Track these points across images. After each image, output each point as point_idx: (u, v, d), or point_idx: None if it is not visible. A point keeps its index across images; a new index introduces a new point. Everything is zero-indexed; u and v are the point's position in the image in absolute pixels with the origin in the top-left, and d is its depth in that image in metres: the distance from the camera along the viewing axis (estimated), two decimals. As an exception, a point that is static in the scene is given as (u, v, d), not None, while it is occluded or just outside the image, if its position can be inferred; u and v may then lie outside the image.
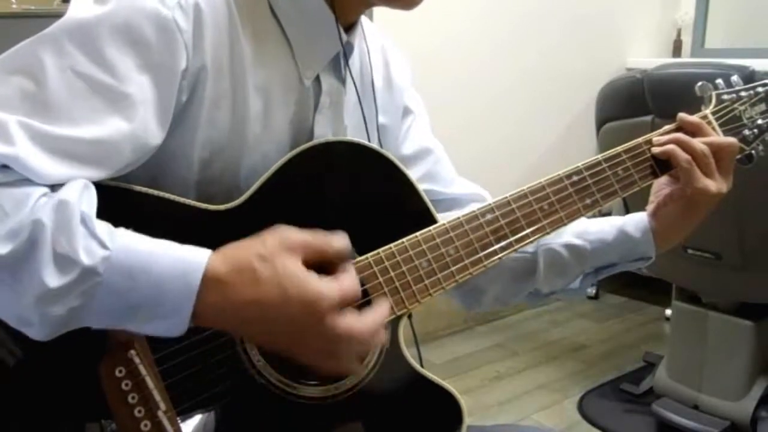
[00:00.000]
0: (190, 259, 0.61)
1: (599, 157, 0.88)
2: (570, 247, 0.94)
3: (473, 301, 1.00)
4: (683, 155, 0.87)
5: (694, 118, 0.91)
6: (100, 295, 0.59)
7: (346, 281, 0.65)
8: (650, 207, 0.93)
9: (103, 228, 0.61)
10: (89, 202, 0.62)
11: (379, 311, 0.68)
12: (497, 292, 0.99)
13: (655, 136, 0.91)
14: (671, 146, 0.88)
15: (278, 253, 0.63)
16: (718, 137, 0.91)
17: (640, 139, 0.90)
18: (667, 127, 0.92)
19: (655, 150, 0.89)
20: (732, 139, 0.90)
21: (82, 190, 0.62)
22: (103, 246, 0.59)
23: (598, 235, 0.94)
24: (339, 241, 0.67)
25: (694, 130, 0.90)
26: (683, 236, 0.93)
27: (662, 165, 0.89)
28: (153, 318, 0.61)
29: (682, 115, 0.92)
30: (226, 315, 0.62)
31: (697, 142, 0.88)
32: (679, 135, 0.89)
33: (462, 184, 1.00)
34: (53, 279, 0.58)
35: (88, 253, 0.59)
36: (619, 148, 0.89)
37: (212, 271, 0.61)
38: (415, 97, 1.00)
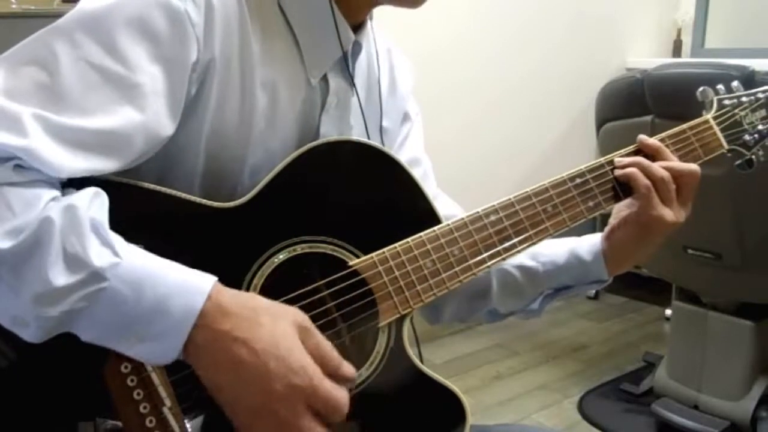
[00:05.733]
0: (197, 281, 0.61)
1: (602, 159, 0.88)
2: (522, 269, 0.94)
3: (433, 316, 1.00)
4: (643, 180, 0.84)
5: (653, 141, 0.88)
6: (101, 301, 0.58)
7: (340, 391, 0.62)
8: (606, 229, 0.91)
9: (115, 237, 0.61)
10: (99, 208, 0.62)
11: None
12: (454, 310, 0.98)
13: (617, 157, 0.88)
14: (632, 170, 0.85)
15: (284, 317, 0.63)
16: (681, 163, 0.87)
17: (602, 160, 0.88)
18: (627, 149, 0.89)
19: (617, 172, 0.86)
20: (694, 166, 0.87)
21: (92, 197, 0.62)
22: (115, 254, 0.60)
23: (550, 257, 0.93)
24: (348, 367, 0.64)
25: (653, 154, 0.87)
26: (634, 262, 0.91)
27: (625, 188, 0.87)
28: (146, 337, 0.60)
29: (642, 137, 0.88)
30: (214, 347, 0.60)
31: (659, 168, 0.85)
32: (641, 159, 0.86)
33: (442, 202, 0.97)
34: (60, 277, 0.58)
35: (98, 257, 0.59)
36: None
37: (217, 296, 0.61)
38: (415, 105, 1.00)
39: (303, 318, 0.64)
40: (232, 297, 0.62)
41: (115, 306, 0.59)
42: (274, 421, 0.60)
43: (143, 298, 0.59)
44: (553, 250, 0.93)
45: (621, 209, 0.89)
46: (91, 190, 0.63)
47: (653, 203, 0.84)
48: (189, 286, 0.61)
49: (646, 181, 0.84)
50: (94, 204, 0.62)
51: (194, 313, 0.59)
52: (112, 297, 0.59)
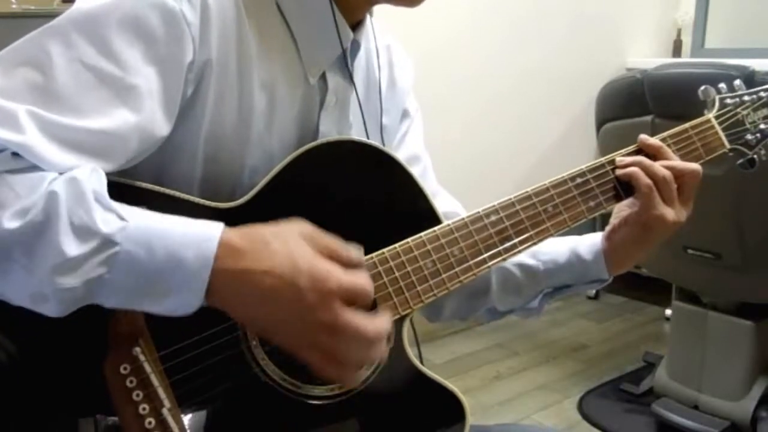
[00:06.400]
0: (206, 229, 0.62)
1: (603, 159, 0.87)
2: (522, 267, 0.94)
3: (432, 315, 1.00)
4: (645, 180, 0.84)
5: (655, 140, 0.88)
6: (117, 266, 0.59)
7: (360, 276, 0.64)
8: (607, 228, 0.91)
9: (117, 204, 0.61)
10: (99, 181, 0.62)
11: (385, 317, 0.66)
12: (454, 308, 0.99)
13: (618, 156, 0.88)
14: (634, 169, 0.85)
15: (291, 235, 0.64)
16: (682, 163, 0.87)
17: (603, 160, 0.88)
18: (628, 149, 0.89)
19: (618, 172, 0.86)
20: (696, 166, 0.87)
21: (91, 171, 0.62)
22: (120, 218, 0.60)
23: (551, 255, 0.93)
24: (355, 251, 0.66)
25: (654, 153, 0.87)
26: (635, 262, 0.91)
27: (626, 187, 0.87)
28: (168, 292, 0.60)
29: (643, 137, 0.89)
30: (239, 286, 0.61)
31: (660, 167, 0.85)
32: (642, 158, 0.86)
33: (442, 198, 0.98)
34: (72, 247, 0.58)
35: (105, 224, 0.59)
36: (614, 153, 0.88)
37: (227, 239, 0.61)
38: (414, 102, 1.00)
39: (305, 227, 0.65)
40: (241, 236, 0.62)
41: (130, 267, 0.59)
42: (321, 327, 0.62)
43: (156, 254, 0.59)
44: (553, 248, 0.93)
45: (622, 209, 0.89)
46: (88, 166, 0.63)
47: (655, 203, 0.84)
48: (198, 234, 0.61)
49: (648, 181, 0.84)
50: (93, 177, 0.62)
51: (209, 258, 0.60)
52: (127, 259, 0.59)
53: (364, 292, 0.64)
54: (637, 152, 0.89)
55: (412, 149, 0.98)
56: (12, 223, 0.57)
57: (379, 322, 0.64)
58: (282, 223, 0.66)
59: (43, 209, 0.58)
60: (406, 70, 0.97)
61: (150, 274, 0.60)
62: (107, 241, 0.59)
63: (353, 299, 0.63)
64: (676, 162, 0.87)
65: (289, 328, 0.63)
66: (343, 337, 0.62)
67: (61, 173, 0.62)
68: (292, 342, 0.64)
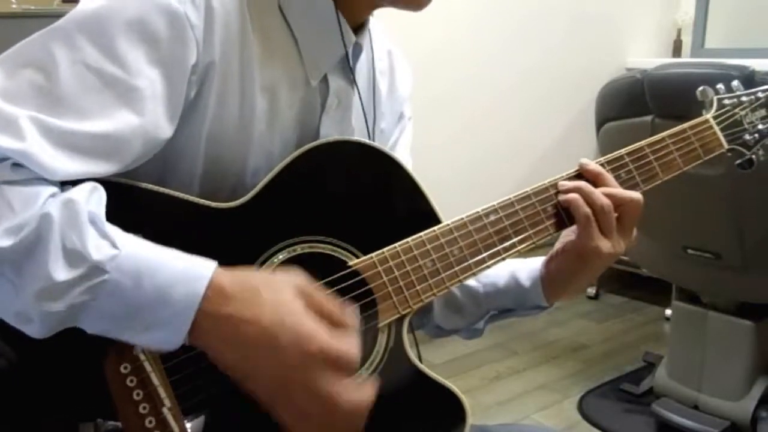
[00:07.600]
0: (197, 268, 0.61)
1: (602, 159, 0.88)
2: (464, 288, 0.92)
3: None
4: (583, 209, 0.80)
5: (594, 166, 0.84)
6: (103, 294, 0.59)
7: (347, 341, 0.62)
8: (549, 254, 0.88)
9: (113, 229, 0.61)
10: (97, 202, 0.62)
11: (368, 389, 0.63)
12: None
13: (560, 180, 0.84)
14: (573, 195, 0.81)
15: (284, 286, 0.63)
16: (623, 191, 0.83)
17: (546, 182, 0.84)
18: (569, 173, 0.85)
19: (560, 197, 0.83)
20: (636, 195, 0.82)
21: (90, 191, 0.62)
22: (113, 245, 0.60)
23: (492, 278, 0.91)
24: (350, 313, 0.65)
25: (593, 179, 0.83)
26: (572, 292, 0.89)
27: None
28: (151, 326, 0.60)
29: (583, 161, 0.84)
30: (221, 330, 0.61)
31: (600, 195, 0.81)
32: (583, 184, 0.82)
33: None
34: (61, 272, 0.58)
35: (97, 251, 0.59)
36: (621, 151, 0.88)
37: (218, 281, 0.61)
38: (410, 109, 1.00)
39: (301, 281, 0.64)
40: (232, 279, 0.62)
41: (117, 297, 0.59)
42: (297, 387, 0.61)
43: (144, 287, 0.59)
44: (496, 271, 0.90)
45: (567, 234, 0.85)
46: (88, 185, 0.63)
47: (592, 234, 0.80)
48: (189, 273, 0.61)
49: (587, 210, 0.80)
50: (93, 198, 0.62)
51: (196, 299, 0.60)
52: (114, 289, 0.59)
53: (347, 359, 0.62)
54: (578, 177, 0.85)
55: (399, 153, 0.97)
56: (4, 241, 0.57)
57: (359, 395, 0.62)
58: (278, 273, 0.65)
59: (35, 230, 0.58)
60: (405, 77, 0.97)
61: (135, 306, 0.59)
62: (96, 269, 0.58)
63: (335, 364, 0.61)
64: (617, 190, 0.83)
65: (266, 382, 0.62)
66: (319, 402, 0.61)
67: (62, 183, 0.62)
68: (267, 395, 0.62)
